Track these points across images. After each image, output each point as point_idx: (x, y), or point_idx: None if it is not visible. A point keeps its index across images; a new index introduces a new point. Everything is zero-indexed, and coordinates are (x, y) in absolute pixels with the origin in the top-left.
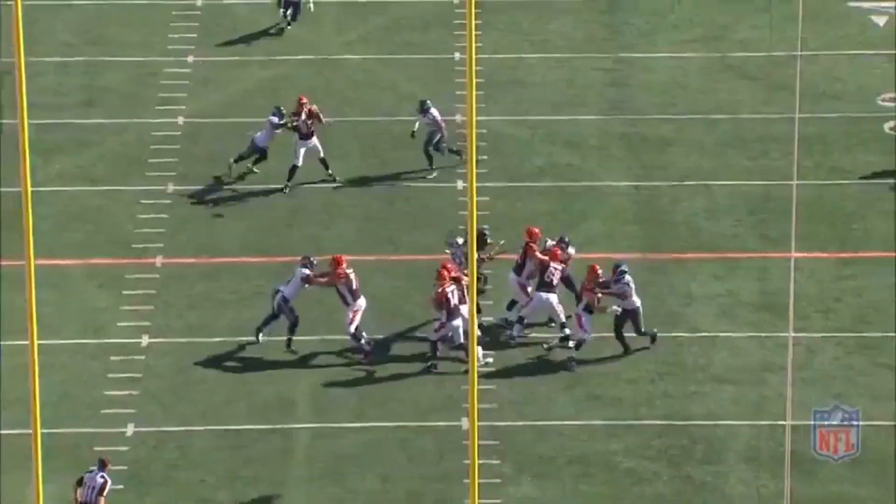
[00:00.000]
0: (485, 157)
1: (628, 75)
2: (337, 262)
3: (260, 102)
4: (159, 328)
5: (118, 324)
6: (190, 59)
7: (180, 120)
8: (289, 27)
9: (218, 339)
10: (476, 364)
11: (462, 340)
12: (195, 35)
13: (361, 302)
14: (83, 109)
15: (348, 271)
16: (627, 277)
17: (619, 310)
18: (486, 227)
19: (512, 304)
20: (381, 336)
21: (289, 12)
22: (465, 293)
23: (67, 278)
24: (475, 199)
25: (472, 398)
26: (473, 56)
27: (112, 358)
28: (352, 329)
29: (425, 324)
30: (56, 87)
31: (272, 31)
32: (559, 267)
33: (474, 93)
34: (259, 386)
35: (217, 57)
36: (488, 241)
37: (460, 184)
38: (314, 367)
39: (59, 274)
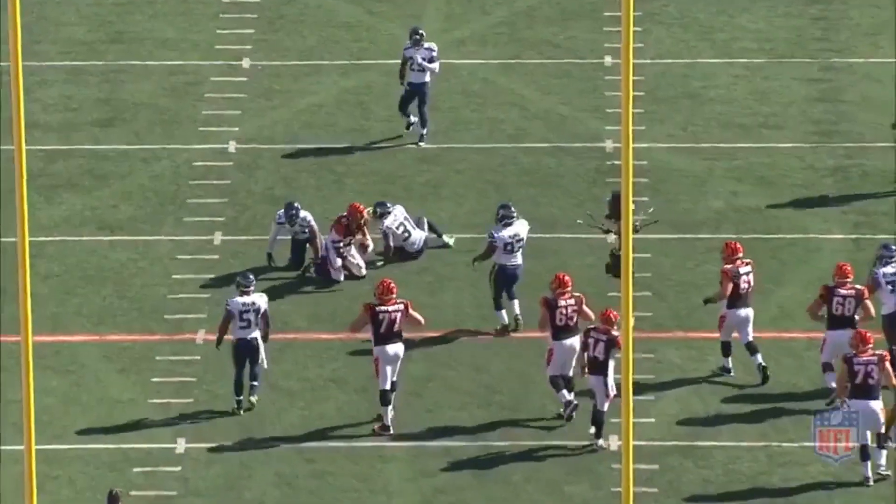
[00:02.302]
0: (644, 199)
1: (843, 87)
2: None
3: (339, 121)
4: (201, 429)
5: (145, 422)
6: (245, 63)
7: (232, 146)
8: (411, 126)
9: (279, 447)
10: (630, 457)
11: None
12: (252, 31)
13: (391, 348)
14: (101, 131)
15: (379, 307)
16: None
17: None
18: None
19: (726, 349)
20: (507, 436)
21: (413, 110)
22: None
23: (78, 360)
24: (630, 255)
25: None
26: (630, 60)
27: (136, 470)
28: (384, 385)
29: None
30: (65, 101)
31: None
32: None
33: (630, 111)
34: None
35: (282, 61)
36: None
37: (612, 236)
38: (415, 476)
39: (66, 354)
